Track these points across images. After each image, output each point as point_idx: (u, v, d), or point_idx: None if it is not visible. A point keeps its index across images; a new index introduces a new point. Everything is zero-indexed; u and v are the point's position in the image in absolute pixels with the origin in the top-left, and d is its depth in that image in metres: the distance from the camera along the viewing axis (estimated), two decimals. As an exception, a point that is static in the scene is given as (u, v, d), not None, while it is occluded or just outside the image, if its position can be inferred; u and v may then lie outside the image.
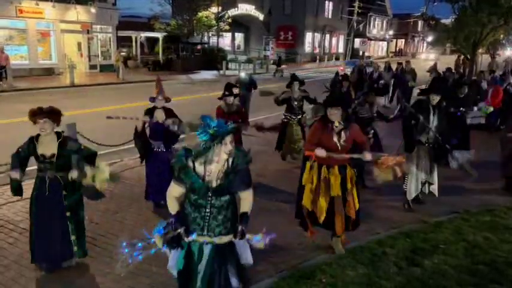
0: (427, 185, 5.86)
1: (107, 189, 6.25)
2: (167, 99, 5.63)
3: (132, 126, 5.70)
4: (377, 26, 61.02)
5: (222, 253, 3.07)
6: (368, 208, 5.99)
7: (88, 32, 24.61)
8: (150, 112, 5.63)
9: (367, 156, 4.27)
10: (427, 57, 35.05)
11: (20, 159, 3.91)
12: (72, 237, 4.09)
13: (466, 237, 4.97)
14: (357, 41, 50.29)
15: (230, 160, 2.95)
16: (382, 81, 14.20)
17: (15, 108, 12.10)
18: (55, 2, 21.83)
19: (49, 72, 22.52)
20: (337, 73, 7.80)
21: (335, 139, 4.24)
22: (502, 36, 28.51)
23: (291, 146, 8.10)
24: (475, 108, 8.81)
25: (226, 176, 2.95)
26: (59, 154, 3.89)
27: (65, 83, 19.46)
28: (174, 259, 3.20)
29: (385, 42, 64.96)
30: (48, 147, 3.88)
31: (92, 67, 25.21)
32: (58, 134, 3.98)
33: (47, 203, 3.95)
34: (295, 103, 7.89)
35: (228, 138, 2.85)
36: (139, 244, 3.03)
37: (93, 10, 23.92)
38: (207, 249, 3.06)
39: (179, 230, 2.99)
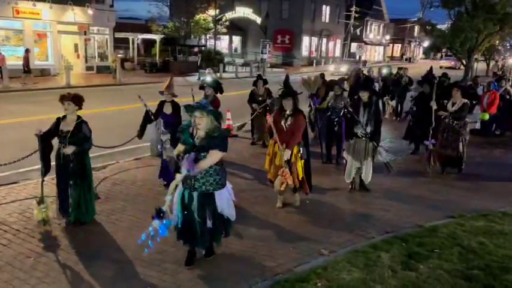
0: (362, 171, 6.63)
1: (101, 191, 6.31)
2: (173, 95, 6.32)
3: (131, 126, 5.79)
4: (374, 31, 61.25)
5: (204, 199, 4.11)
6: (363, 212, 6.01)
7: (85, 34, 24.58)
8: (160, 105, 6.37)
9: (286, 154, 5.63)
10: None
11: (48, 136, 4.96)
12: (70, 200, 5.05)
13: (461, 242, 4.98)
14: (354, 45, 50.51)
15: (208, 129, 3.97)
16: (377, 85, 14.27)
17: (9, 109, 12.05)
18: (52, 3, 21.78)
19: (45, 73, 22.46)
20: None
21: (283, 122, 5.68)
22: (497, 42, 28.74)
23: (259, 134, 9.37)
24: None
25: (206, 139, 3.98)
26: (73, 132, 4.88)
27: (61, 83, 19.39)
28: (175, 214, 4.16)
29: (382, 47, 65.27)
30: (68, 125, 4.92)
31: (89, 68, 25.16)
32: (79, 118, 4.99)
33: (60, 170, 5.02)
34: (260, 98, 9.27)
35: (196, 113, 3.92)
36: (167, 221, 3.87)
37: (90, 11, 23.89)
38: (194, 195, 4.12)
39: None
